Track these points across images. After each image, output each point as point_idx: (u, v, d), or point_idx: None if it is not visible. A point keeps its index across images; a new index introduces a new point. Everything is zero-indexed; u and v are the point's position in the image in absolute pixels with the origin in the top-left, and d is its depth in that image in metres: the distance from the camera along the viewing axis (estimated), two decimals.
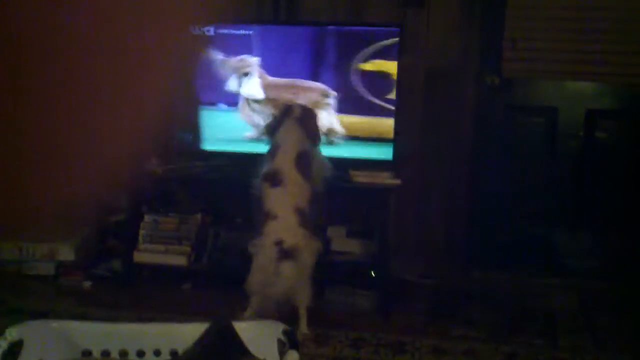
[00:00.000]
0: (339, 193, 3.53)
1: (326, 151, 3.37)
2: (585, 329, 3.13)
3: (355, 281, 3.27)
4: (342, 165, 3.43)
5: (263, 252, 2.87)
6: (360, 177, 3.37)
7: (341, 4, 3.91)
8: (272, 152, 3.10)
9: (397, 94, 3.53)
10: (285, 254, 2.80)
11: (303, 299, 2.86)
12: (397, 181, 3.35)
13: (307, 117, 3.20)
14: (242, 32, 3.65)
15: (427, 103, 3.90)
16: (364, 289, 3.21)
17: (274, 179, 2.98)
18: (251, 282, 2.88)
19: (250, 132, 3.64)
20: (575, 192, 3.92)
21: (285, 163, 3.02)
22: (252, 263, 2.93)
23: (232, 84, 3.57)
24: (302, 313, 2.90)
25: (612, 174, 3.88)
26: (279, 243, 2.83)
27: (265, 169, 3.08)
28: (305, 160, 3.07)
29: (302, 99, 3.43)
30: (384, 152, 3.53)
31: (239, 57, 3.59)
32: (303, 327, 2.90)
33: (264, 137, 3.27)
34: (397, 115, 3.53)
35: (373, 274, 3.34)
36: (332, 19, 3.86)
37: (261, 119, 3.56)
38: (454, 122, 3.91)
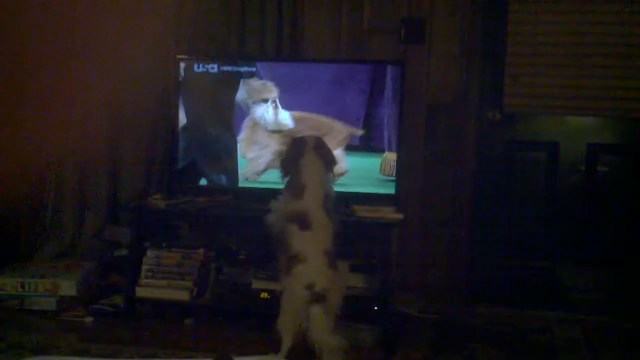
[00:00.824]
0: (342, 227, 3.53)
1: None
2: None
3: (358, 316, 3.25)
4: (345, 199, 3.44)
5: (294, 294, 2.89)
6: (363, 212, 3.38)
7: (343, 41, 3.96)
8: (297, 191, 3.02)
9: (400, 129, 3.55)
10: (317, 297, 2.83)
11: (332, 340, 2.82)
12: (400, 216, 3.36)
13: (322, 148, 3.16)
14: (245, 69, 3.69)
15: (429, 138, 3.93)
16: (367, 324, 3.20)
17: (303, 222, 2.94)
18: (283, 323, 2.90)
19: (246, 171, 3.67)
20: (577, 225, 3.92)
21: (314, 205, 2.99)
22: (282, 304, 2.94)
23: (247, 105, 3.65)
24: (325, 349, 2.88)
25: (614, 208, 3.89)
26: (310, 287, 2.84)
27: (290, 208, 3.02)
28: (329, 200, 3.06)
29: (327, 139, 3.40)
30: (387, 187, 3.54)
31: (261, 81, 3.63)
32: None
33: (281, 172, 3.19)
34: (399, 149, 3.55)
35: (376, 308, 3.32)
36: (335, 55, 3.91)
37: (263, 149, 3.60)
38: (456, 156, 3.93)
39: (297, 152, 3.12)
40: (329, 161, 3.17)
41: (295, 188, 3.04)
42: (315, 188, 3.02)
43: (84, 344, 3.13)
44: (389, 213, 3.37)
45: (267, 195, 3.23)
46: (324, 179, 3.10)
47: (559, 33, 3.86)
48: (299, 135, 3.34)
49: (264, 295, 3.40)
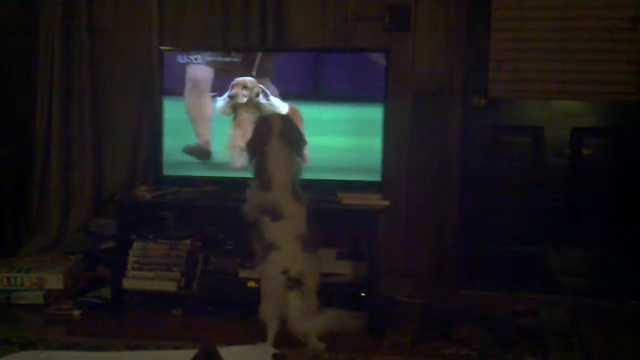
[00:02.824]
0: (328, 215, 3.53)
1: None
2: (577, 346, 3.13)
3: (346, 303, 3.26)
4: (330, 187, 3.44)
5: (271, 280, 2.93)
6: (349, 199, 3.37)
7: (328, 30, 3.95)
8: (265, 182, 3.01)
9: (385, 116, 3.55)
10: (293, 282, 2.89)
11: (310, 325, 2.90)
12: (386, 202, 3.36)
13: (289, 130, 3.10)
14: (229, 59, 3.68)
15: (415, 124, 3.93)
16: (355, 310, 3.20)
17: (274, 214, 2.96)
18: (265, 310, 2.95)
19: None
20: (562, 209, 3.94)
21: (284, 195, 2.99)
22: (262, 291, 2.99)
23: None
24: (312, 334, 2.95)
25: (599, 191, 3.91)
26: (285, 272, 2.89)
27: (259, 200, 3.01)
28: (298, 185, 3.06)
29: None
30: (372, 174, 3.54)
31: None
32: (316, 345, 2.94)
33: (248, 155, 3.14)
34: (385, 136, 3.54)
35: (363, 295, 3.33)
36: (320, 44, 3.89)
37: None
38: (442, 142, 3.94)
39: (262, 137, 3.06)
40: (297, 144, 3.11)
41: (262, 178, 3.02)
42: (282, 177, 3.00)
43: (72, 337, 3.12)
44: (375, 200, 3.37)
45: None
46: (291, 164, 3.06)
47: (543, 19, 3.87)
48: (264, 116, 3.30)
49: (251, 284, 3.39)
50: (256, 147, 3.09)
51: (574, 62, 3.85)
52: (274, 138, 3.04)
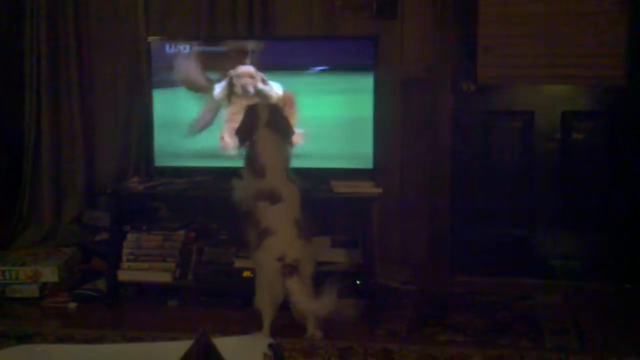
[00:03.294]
0: (322, 204, 3.55)
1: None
2: (571, 330, 3.16)
3: (341, 291, 3.28)
4: (323, 176, 3.45)
5: (267, 267, 2.94)
6: (342, 188, 3.38)
7: (316, 17, 3.94)
8: (258, 170, 3.04)
9: (375, 104, 3.56)
10: (289, 269, 2.88)
11: (311, 307, 2.90)
12: (379, 190, 3.37)
13: (277, 119, 3.15)
14: (217, 48, 3.67)
15: (405, 112, 3.94)
16: (350, 298, 3.23)
17: (273, 197, 2.98)
18: (260, 298, 2.97)
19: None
20: (555, 193, 3.96)
21: (280, 180, 3.03)
22: (257, 279, 3.01)
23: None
24: (309, 318, 2.97)
25: (590, 175, 3.93)
26: (281, 259, 2.89)
27: (255, 187, 3.03)
28: (290, 170, 3.09)
29: None
30: (364, 162, 3.55)
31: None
32: (312, 333, 2.98)
33: (237, 143, 3.19)
34: (375, 124, 3.55)
35: (358, 282, 3.35)
36: (307, 33, 3.88)
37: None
38: (432, 129, 3.95)
39: (251, 126, 3.11)
40: (286, 132, 3.16)
41: (255, 167, 3.06)
42: (274, 164, 3.05)
43: (68, 329, 3.13)
44: (368, 188, 3.38)
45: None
46: (282, 151, 3.10)
47: (530, 2, 3.87)
48: (252, 104, 3.31)
49: (246, 274, 3.40)
50: (245, 135, 3.13)
51: (562, 47, 3.85)
52: (261, 126, 3.08)
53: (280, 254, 2.91)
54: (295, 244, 2.95)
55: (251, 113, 3.16)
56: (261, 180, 3.03)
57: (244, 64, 3.60)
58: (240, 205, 3.08)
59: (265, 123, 3.09)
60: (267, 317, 2.94)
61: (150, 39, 3.77)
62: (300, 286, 2.89)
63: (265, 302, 2.95)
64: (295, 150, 3.26)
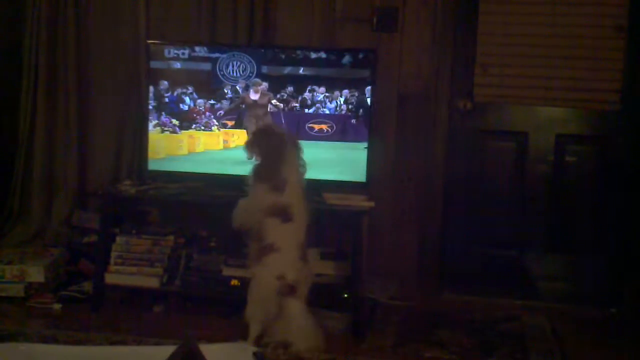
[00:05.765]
0: (313, 215, 3.54)
1: None
2: (556, 351, 3.16)
3: (328, 303, 3.27)
4: (316, 187, 3.45)
5: (263, 283, 2.91)
6: (334, 200, 3.38)
7: (315, 29, 3.95)
8: (278, 185, 2.99)
9: (371, 118, 3.56)
10: (288, 289, 2.87)
11: (310, 330, 2.87)
12: (371, 203, 3.37)
13: (295, 138, 3.17)
14: (216, 55, 3.68)
15: (400, 126, 3.95)
16: (337, 311, 3.21)
17: (286, 215, 2.96)
18: (251, 311, 2.92)
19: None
20: (546, 215, 3.97)
21: (296, 199, 3.00)
22: (250, 292, 2.95)
23: None
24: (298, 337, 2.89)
25: (582, 198, 3.94)
26: (281, 277, 2.87)
27: (270, 200, 2.98)
28: (304, 192, 3.07)
29: None
30: (358, 175, 3.55)
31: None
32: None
33: (248, 154, 3.14)
34: (370, 138, 3.56)
35: (346, 295, 3.34)
36: (307, 44, 3.89)
37: None
38: (426, 145, 3.95)
39: (276, 146, 3.06)
40: (301, 152, 3.15)
41: (275, 181, 3.00)
42: (295, 183, 3.02)
43: (52, 330, 3.10)
44: (360, 201, 3.38)
45: (237, 182, 3.22)
46: (302, 170, 3.10)
47: (529, 24, 3.89)
48: (274, 128, 3.29)
49: (234, 282, 3.40)
50: (264, 150, 3.09)
51: (559, 69, 3.87)
52: (292, 151, 3.08)
53: (281, 272, 2.88)
54: (296, 264, 2.92)
55: (275, 136, 3.11)
56: (278, 196, 2.99)
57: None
58: (237, 220, 3.04)
59: (294, 145, 3.09)
60: (254, 330, 2.90)
61: (149, 42, 3.78)
62: (298, 306, 2.88)
63: (255, 317, 2.91)
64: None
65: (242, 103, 3.69)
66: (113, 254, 3.52)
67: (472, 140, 4.02)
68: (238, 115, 3.71)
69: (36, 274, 3.59)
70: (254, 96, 3.67)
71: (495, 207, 4.00)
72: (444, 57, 3.92)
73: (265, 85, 3.65)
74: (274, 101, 3.65)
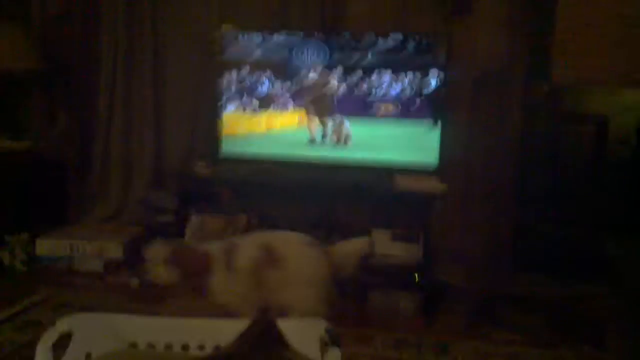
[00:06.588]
0: (385, 198, 3.54)
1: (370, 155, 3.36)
2: (634, 335, 3.07)
3: (399, 284, 3.27)
4: (389, 169, 3.44)
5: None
6: (406, 183, 3.37)
7: (388, 12, 3.91)
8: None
9: (445, 101, 3.53)
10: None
11: None
12: (444, 186, 3.34)
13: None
14: (288, 39, 3.70)
15: (475, 110, 3.88)
16: (408, 292, 3.20)
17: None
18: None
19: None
20: (626, 199, 3.85)
21: None
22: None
23: None
24: None
25: None
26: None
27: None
28: None
29: None
30: (430, 158, 3.52)
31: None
32: None
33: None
34: (444, 121, 3.52)
35: (417, 277, 3.33)
36: (379, 28, 3.86)
37: None
38: (501, 129, 3.88)
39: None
40: None
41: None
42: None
43: (129, 304, 3.20)
44: (432, 184, 3.35)
45: (305, 164, 3.24)
46: None
47: (610, 4, 3.76)
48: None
49: None
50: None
51: None
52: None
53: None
54: None
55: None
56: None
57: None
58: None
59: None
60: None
61: (224, 27, 3.82)
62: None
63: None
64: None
65: (301, 84, 3.71)
66: (188, 232, 3.59)
67: (549, 123, 3.92)
68: (302, 96, 3.74)
69: (115, 250, 3.71)
70: (314, 77, 3.68)
71: (573, 191, 3.90)
72: (520, 38, 3.83)
73: (323, 66, 3.68)
74: (334, 82, 3.65)
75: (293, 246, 2.62)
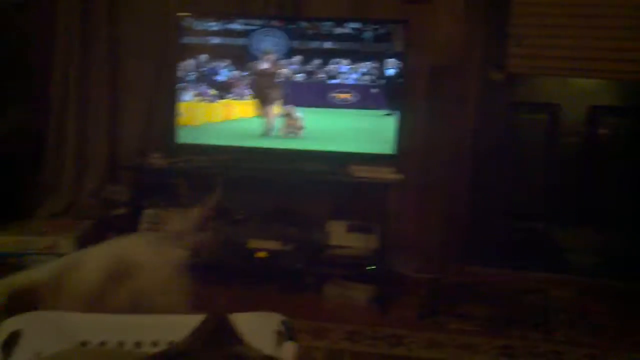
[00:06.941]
0: (340, 187, 3.53)
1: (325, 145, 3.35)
2: (581, 323, 3.13)
3: (354, 275, 3.27)
4: (344, 159, 3.43)
5: None
6: (362, 172, 3.36)
7: (346, 0, 3.89)
8: None
9: (403, 90, 3.53)
10: None
11: None
12: (400, 176, 3.34)
13: None
14: (246, 27, 3.66)
15: (431, 98, 3.89)
16: (362, 283, 3.21)
17: None
18: None
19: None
20: (577, 188, 3.91)
21: None
22: None
23: None
24: None
25: (614, 171, 3.88)
26: None
27: None
28: None
29: None
30: (386, 147, 3.52)
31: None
32: None
33: None
34: (400, 110, 3.52)
35: (371, 268, 3.33)
36: (336, 15, 3.84)
37: None
38: (457, 117, 3.90)
39: None
40: None
41: None
42: None
43: None
44: (388, 173, 3.35)
45: (266, 155, 3.22)
46: None
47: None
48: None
49: (260, 254, 3.40)
50: None
51: (593, 40, 3.78)
52: None
53: None
54: None
55: None
56: None
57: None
58: None
59: None
60: None
61: (179, 14, 3.76)
62: None
63: None
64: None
65: (252, 72, 3.68)
66: (141, 227, 3.54)
67: (504, 111, 3.96)
68: (254, 84, 3.72)
69: (67, 245, 3.64)
70: (263, 65, 3.66)
71: (526, 179, 3.95)
72: (476, 28, 3.85)
73: (275, 55, 3.65)
74: (285, 70, 3.63)
75: (142, 250, 2.52)
